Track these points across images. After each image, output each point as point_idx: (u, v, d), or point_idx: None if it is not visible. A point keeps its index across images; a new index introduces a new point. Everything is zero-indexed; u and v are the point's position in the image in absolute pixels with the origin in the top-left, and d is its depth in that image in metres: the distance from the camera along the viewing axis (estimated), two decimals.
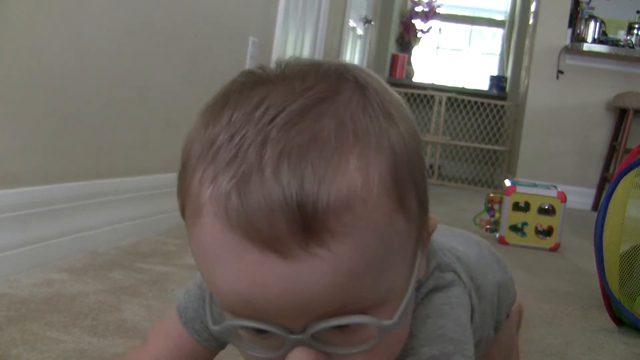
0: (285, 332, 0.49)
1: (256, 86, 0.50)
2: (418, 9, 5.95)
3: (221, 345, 0.74)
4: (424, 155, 0.55)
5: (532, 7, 4.79)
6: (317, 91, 0.49)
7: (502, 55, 6.15)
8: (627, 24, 4.38)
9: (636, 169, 1.51)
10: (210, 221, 0.47)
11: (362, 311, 0.49)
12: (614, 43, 4.31)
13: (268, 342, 0.52)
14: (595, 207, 4.23)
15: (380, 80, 0.54)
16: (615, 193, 1.52)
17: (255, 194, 0.45)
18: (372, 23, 4.89)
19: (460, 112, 5.34)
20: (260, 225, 0.45)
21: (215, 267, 0.48)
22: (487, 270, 0.84)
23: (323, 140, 0.46)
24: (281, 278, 0.46)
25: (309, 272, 0.46)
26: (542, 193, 2.57)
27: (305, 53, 3.34)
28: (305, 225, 0.45)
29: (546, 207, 2.57)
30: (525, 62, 4.79)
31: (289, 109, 0.47)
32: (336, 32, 3.95)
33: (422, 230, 0.55)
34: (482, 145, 4.98)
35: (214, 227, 0.47)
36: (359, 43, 4.67)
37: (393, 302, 0.51)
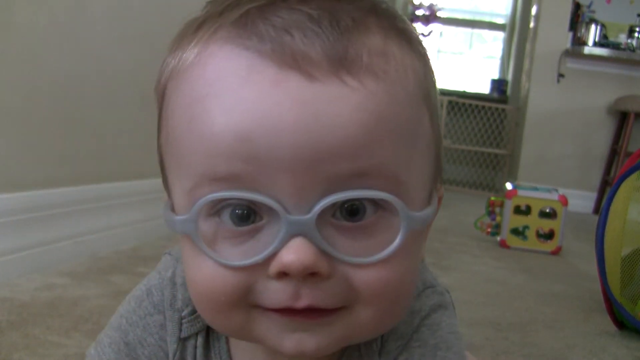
0: (284, 210, 0.39)
1: None
2: (419, 12, 5.96)
3: None
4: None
5: (533, 11, 4.79)
6: None
7: (503, 58, 6.14)
8: (628, 28, 4.37)
9: (637, 172, 1.51)
10: (216, 47, 0.41)
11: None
12: (615, 46, 4.31)
13: (251, 240, 0.41)
14: (596, 210, 4.23)
15: None
16: (616, 196, 1.52)
17: (284, 14, 0.39)
18: None
19: (461, 115, 5.34)
20: (284, 38, 0.39)
21: (210, 103, 0.40)
22: None
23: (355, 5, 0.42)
24: (299, 104, 0.38)
25: (336, 100, 0.38)
26: (543, 196, 2.56)
27: None
28: (341, 47, 0.39)
29: (547, 211, 2.57)
30: (526, 66, 4.79)
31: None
32: None
33: (437, 172, 0.48)
34: (483, 149, 4.98)
35: (221, 50, 0.40)
36: None
37: (418, 201, 0.44)
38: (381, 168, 0.40)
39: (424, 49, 0.47)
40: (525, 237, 2.57)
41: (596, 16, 4.41)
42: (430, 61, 0.48)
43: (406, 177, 0.42)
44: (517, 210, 2.57)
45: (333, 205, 0.40)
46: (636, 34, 4.31)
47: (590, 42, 4.34)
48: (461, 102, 5.00)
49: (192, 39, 0.42)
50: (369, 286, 0.41)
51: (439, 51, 6.36)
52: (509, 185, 2.67)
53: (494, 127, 5.06)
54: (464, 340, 0.56)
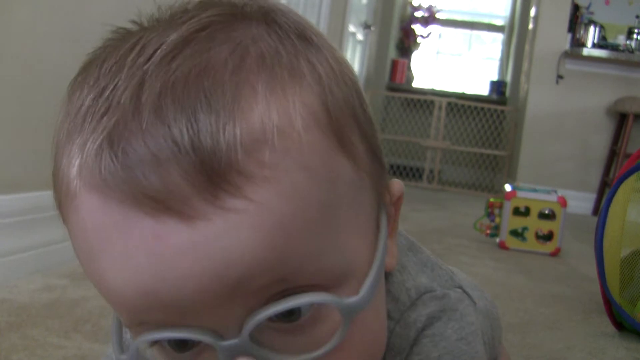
0: (215, 338, 0.36)
1: (130, 35, 0.39)
2: (418, 14, 5.96)
3: None
4: (363, 94, 0.43)
5: (532, 12, 4.80)
6: (203, 17, 0.37)
7: (502, 60, 6.15)
8: (626, 29, 4.38)
9: (636, 173, 1.51)
10: (85, 197, 0.36)
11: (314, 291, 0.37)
12: (614, 48, 4.31)
13: None
14: (595, 211, 4.23)
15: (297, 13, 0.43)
16: (615, 198, 1.52)
17: (134, 144, 0.34)
18: (372, 28, 4.89)
19: (460, 117, 5.34)
20: (147, 183, 0.33)
21: (101, 259, 0.36)
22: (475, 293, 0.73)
23: (217, 66, 0.35)
24: (188, 250, 0.33)
25: (224, 233, 0.33)
26: (542, 198, 2.57)
27: None
28: (207, 170, 0.33)
29: (546, 212, 2.57)
30: (525, 67, 4.80)
31: (169, 40, 0.36)
32: (336, 38, 3.95)
33: (381, 188, 0.43)
34: (483, 150, 4.98)
35: (90, 202, 0.35)
36: (359, 48, 4.67)
37: (357, 280, 0.39)
38: (303, 273, 0.36)
39: (323, 40, 0.41)
40: (524, 239, 2.57)
41: (595, 17, 4.42)
42: (338, 51, 0.42)
43: (336, 263, 0.38)
44: (516, 211, 2.57)
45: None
46: (635, 36, 4.31)
47: (589, 44, 4.35)
48: (460, 103, 5.00)
49: (70, 147, 0.38)
50: None
51: (438, 52, 6.36)
52: (508, 187, 2.67)
53: (493, 129, 5.07)
54: (481, 338, 0.52)
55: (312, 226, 0.36)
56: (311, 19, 3.33)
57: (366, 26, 4.69)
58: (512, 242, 2.57)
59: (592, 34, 4.36)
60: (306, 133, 0.36)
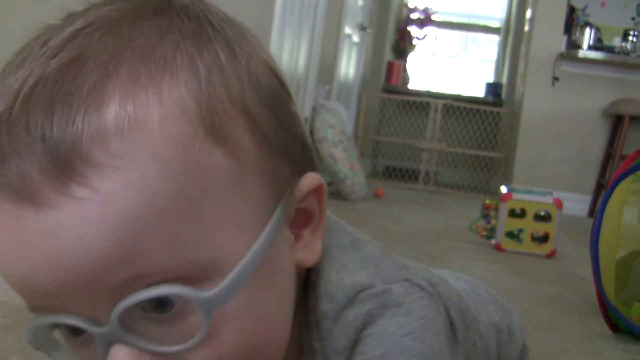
0: (91, 324, 0.37)
1: (48, 29, 0.41)
2: (414, 16, 5.97)
3: None
4: (279, 91, 0.43)
5: (528, 14, 4.80)
6: (99, 13, 0.39)
7: (497, 62, 6.16)
8: (622, 31, 4.39)
9: (632, 175, 1.51)
10: None
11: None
12: (610, 50, 4.32)
13: (87, 350, 0.40)
14: (591, 213, 4.23)
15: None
16: (611, 199, 1.52)
17: (2, 134, 0.35)
18: (368, 30, 4.90)
19: (456, 118, 5.35)
20: (8, 172, 0.35)
21: None
22: (479, 306, 0.72)
23: (87, 61, 0.36)
24: (40, 236, 0.35)
25: (72, 222, 0.34)
26: (538, 199, 2.57)
27: (301, 60, 3.35)
28: (55, 159, 0.34)
29: (542, 214, 2.57)
30: (521, 69, 4.80)
31: (64, 34, 0.38)
32: (332, 39, 3.96)
33: (281, 181, 0.42)
34: (478, 152, 4.98)
35: None
36: (354, 50, 4.67)
37: (230, 258, 0.39)
38: (157, 265, 0.36)
39: (229, 24, 0.42)
40: (520, 240, 2.57)
41: (591, 19, 4.42)
42: (245, 60, 0.41)
43: (198, 253, 0.37)
44: (512, 213, 2.57)
45: (137, 304, 0.37)
46: (631, 37, 4.32)
47: (585, 46, 4.36)
48: (456, 105, 5.01)
49: None
50: None
51: (434, 54, 6.37)
52: (503, 189, 2.67)
53: (488, 130, 5.07)
54: (441, 327, 0.49)
55: (166, 218, 0.36)
56: (307, 21, 3.33)
57: (362, 28, 4.69)
58: (508, 244, 2.57)
59: (587, 36, 4.36)
60: (165, 124, 0.36)
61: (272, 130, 0.41)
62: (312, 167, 0.46)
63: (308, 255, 0.46)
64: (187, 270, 0.37)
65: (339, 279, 0.48)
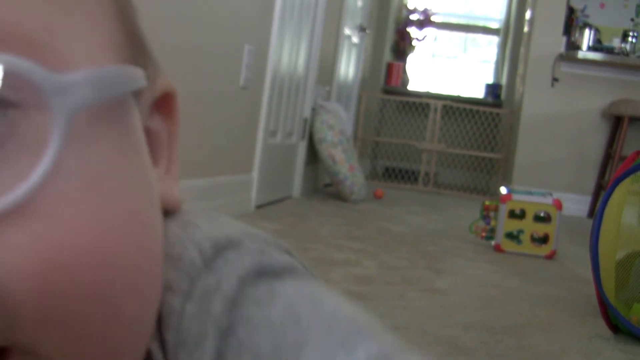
0: None
1: None
2: (413, 17, 5.97)
3: None
4: None
5: (527, 15, 4.81)
6: None
7: (497, 63, 6.16)
8: (621, 32, 4.39)
9: (631, 176, 1.51)
10: None
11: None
12: (609, 51, 4.32)
13: None
14: (591, 214, 4.23)
15: None
16: (610, 200, 1.52)
17: None
18: (368, 31, 4.90)
19: (456, 119, 5.35)
20: None
21: None
22: None
23: None
24: None
25: None
26: (537, 200, 2.57)
27: (301, 60, 3.35)
28: None
29: (542, 215, 2.57)
30: (520, 70, 4.81)
31: None
32: (332, 40, 3.96)
33: (135, 50, 0.30)
34: (478, 153, 4.98)
35: None
36: (354, 51, 4.68)
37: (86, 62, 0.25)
38: None
39: None
40: (519, 241, 2.57)
41: (590, 20, 4.43)
42: None
43: (47, 36, 0.24)
44: (512, 214, 2.57)
45: None
46: (630, 38, 4.32)
47: (584, 47, 4.36)
48: (456, 106, 5.01)
49: None
50: (18, 273, 0.21)
51: (433, 55, 6.37)
52: (503, 189, 2.67)
53: (488, 131, 5.07)
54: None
55: None
56: (307, 22, 3.34)
57: (362, 29, 4.69)
58: (508, 245, 2.57)
59: (587, 37, 4.37)
60: None
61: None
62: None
63: (166, 190, 0.31)
64: (28, 49, 0.23)
65: (186, 236, 0.30)
